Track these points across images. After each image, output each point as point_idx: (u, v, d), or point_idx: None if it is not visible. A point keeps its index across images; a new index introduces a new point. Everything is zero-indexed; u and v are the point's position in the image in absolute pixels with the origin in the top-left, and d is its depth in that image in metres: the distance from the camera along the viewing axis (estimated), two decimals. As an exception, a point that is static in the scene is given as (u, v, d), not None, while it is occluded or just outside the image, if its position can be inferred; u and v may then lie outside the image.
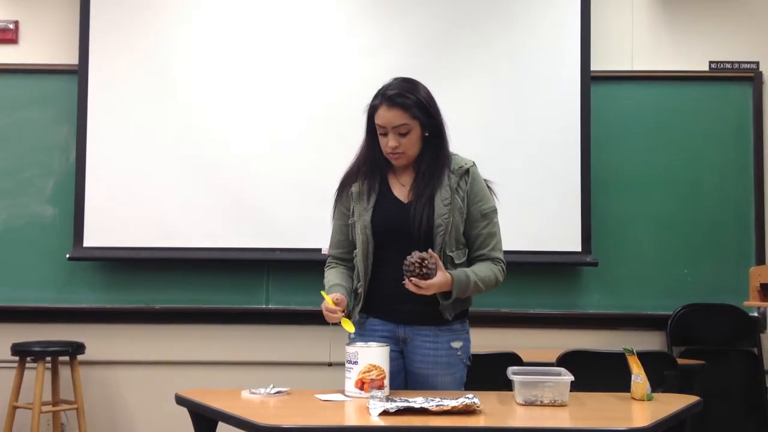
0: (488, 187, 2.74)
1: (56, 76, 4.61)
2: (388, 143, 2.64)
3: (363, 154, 2.74)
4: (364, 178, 2.71)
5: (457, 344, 2.68)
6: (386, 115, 2.62)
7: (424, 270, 2.50)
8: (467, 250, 2.70)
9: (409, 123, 2.62)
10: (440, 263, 2.55)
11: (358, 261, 2.69)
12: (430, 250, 2.53)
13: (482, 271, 2.64)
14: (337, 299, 2.59)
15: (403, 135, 2.63)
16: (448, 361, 2.66)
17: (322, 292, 2.63)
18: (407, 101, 2.62)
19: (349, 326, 2.59)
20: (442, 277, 2.53)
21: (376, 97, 2.67)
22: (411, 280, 2.51)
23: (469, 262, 2.69)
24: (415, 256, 2.51)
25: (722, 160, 4.62)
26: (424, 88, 2.69)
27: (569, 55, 4.52)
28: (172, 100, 4.53)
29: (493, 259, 2.68)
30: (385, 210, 2.68)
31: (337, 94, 4.46)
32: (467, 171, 2.68)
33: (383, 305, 2.63)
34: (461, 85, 4.49)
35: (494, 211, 2.72)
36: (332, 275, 2.76)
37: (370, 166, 2.71)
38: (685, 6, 4.68)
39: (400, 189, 2.71)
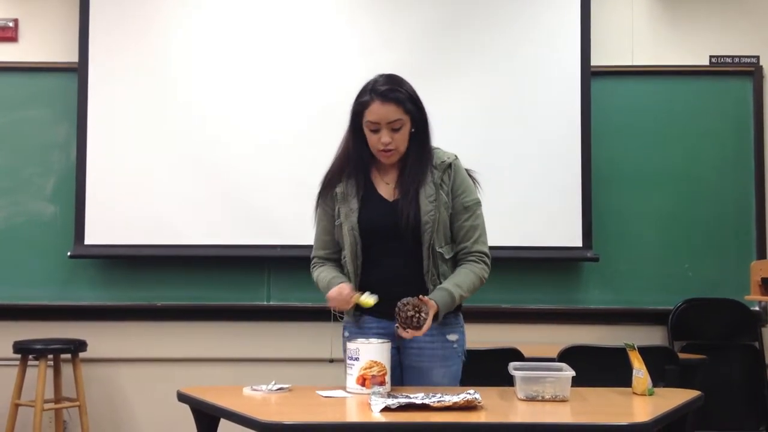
0: (472, 177, 2.73)
1: (56, 74, 4.60)
2: (380, 139, 2.61)
3: (345, 154, 2.71)
4: (348, 178, 2.69)
5: (452, 337, 2.67)
6: (380, 111, 2.60)
7: (420, 322, 2.47)
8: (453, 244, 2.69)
9: (403, 118, 2.61)
10: (429, 301, 2.51)
11: (347, 262, 2.67)
12: (422, 296, 2.49)
13: (465, 281, 2.61)
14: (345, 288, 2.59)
15: (396, 130, 2.61)
16: (444, 354, 2.66)
17: (357, 297, 2.55)
18: (400, 95, 2.61)
19: (367, 301, 2.53)
20: (432, 314, 2.51)
21: (364, 93, 2.64)
22: (407, 331, 2.48)
23: (454, 256, 2.68)
24: (409, 306, 2.46)
25: (722, 155, 4.62)
26: (408, 83, 2.68)
27: (569, 50, 4.52)
28: (173, 98, 4.53)
29: (475, 254, 2.65)
30: (371, 210, 2.66)
31: (337, 93, 4.38)
32: (450, 165, 2.67)
33: (376, 304, 2.60)
34: (462, 81, 4.48)
35: (477, 203, 2.69)
36: (327, 271, 2.71)
37: (353, 166, 2.69)
38: (685, 0, 4.68)
39: (385, 187, 2.70)
